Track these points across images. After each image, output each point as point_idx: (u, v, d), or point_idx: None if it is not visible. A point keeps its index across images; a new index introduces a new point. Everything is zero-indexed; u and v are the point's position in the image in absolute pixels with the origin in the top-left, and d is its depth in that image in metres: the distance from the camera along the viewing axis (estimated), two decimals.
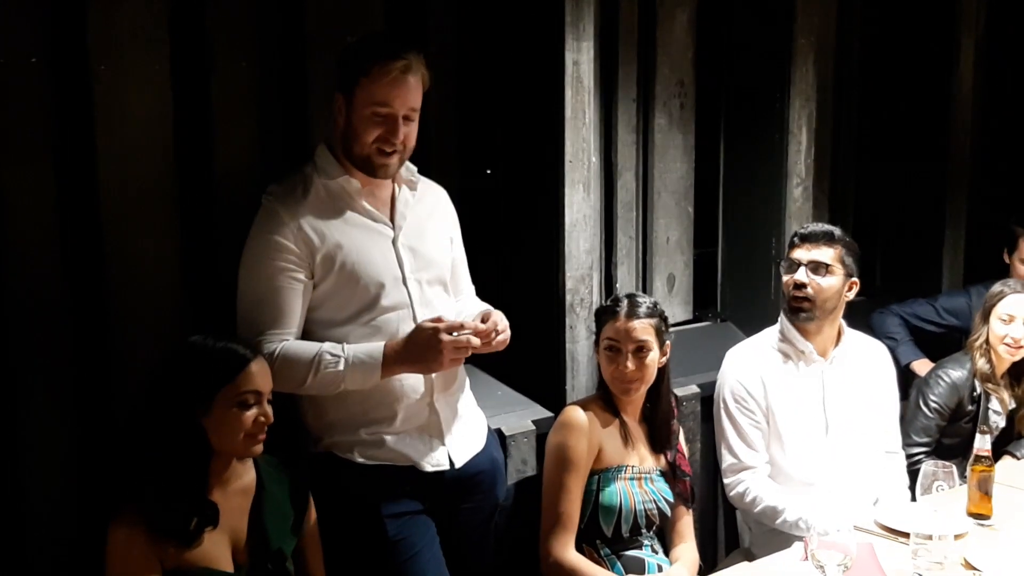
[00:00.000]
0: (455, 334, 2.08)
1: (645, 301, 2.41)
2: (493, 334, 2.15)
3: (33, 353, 2.06)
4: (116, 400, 2.15)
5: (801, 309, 2.67)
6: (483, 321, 2.18)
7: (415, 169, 2.29)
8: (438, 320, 2.09)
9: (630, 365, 2.35)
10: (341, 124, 2.16)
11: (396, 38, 2.20)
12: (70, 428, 2.12)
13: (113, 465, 2.09)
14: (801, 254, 2.69)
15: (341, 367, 2.09)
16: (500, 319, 2.21)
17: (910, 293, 3.79)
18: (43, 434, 2.08)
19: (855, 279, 2.71)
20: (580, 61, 2.71)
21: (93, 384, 2.15)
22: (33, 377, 2.06)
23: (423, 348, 2.08)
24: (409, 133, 2.16)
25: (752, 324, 3.28)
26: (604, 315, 2.43)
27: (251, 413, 1.88)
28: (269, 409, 1.92)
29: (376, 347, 2.11)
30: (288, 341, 2.11)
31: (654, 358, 2.38)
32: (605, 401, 2.42)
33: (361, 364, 2.09)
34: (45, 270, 2.06)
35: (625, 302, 2.41)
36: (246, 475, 1.99)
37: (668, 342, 2.43)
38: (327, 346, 2.11)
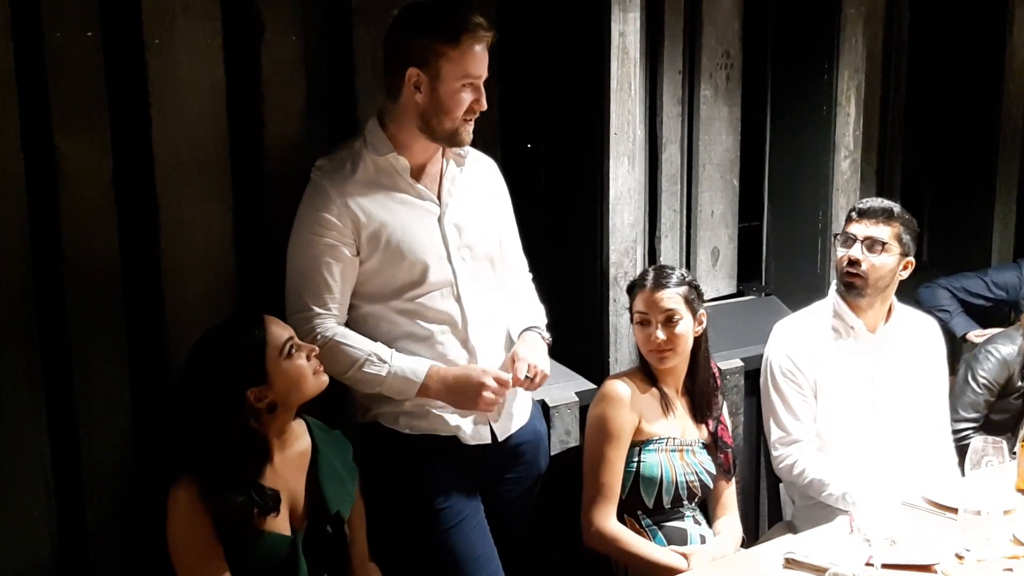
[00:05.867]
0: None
1: (673, 272, 2.41)
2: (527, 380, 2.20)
3: (89, 319, 2.10)
4: (170, 365, 2.19)
5: (853, 285, 2.64)
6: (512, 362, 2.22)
7: None
8: (492, 375, 2.14)
9: (660, 335, 2.35)
10: (422, 101, 2.10)
11: (459, 3, 2.13)
12: (125, 392, 2.16)
13: (167, 435, 2.13)
14: (858, 229, 2.64)
15: (383, 372, 2.12)
16: (525, 366, 2.20)
17: (959, 267, 3.73)
18: (99, 397, 2.12)
19: (911, 259, 2.66)
20: (626, 32, 2.68)
21: (147, 349, 2.19)
22: (89, 343, 2.10)
23: (467, 393, 2.13)
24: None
25: (797, 298, 3.26)
26: (634, 288, 2.44)
27: (300, 355, 1.95)
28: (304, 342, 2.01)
29: (421, 367, 2.14)
30: (344, 329, 2.14)
31: (685, 327, 2.37)
32: (645, 373, 2.43)
33: (403, 378, 2.12)
34: (101, 238, 2.10)
35: (652, 273, 2.41)
36: (303, 436, 2.02)
37: (702, 311, 2.42)
38: (378, 348, 2.13)
